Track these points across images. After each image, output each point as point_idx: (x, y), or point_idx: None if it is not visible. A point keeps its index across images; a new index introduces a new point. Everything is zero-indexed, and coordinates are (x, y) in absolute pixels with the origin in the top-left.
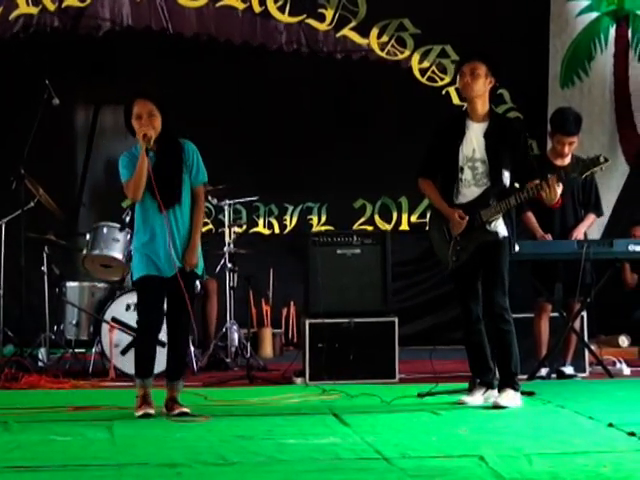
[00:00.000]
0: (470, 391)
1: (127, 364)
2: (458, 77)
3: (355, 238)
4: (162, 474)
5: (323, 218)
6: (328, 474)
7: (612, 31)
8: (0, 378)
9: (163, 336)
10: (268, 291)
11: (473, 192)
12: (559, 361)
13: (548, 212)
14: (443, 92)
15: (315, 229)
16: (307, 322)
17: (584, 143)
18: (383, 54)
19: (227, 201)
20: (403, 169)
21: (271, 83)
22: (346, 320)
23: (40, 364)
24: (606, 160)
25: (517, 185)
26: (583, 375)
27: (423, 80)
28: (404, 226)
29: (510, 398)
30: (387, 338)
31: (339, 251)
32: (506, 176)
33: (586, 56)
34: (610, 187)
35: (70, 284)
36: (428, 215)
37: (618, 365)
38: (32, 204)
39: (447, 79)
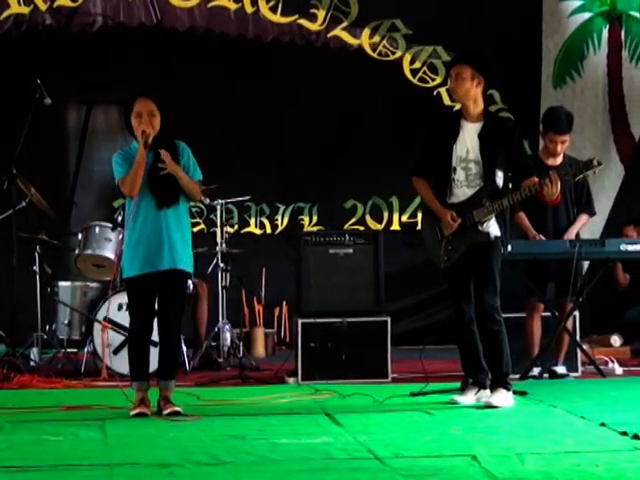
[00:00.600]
0: (462, 391)
1: (119, 364)
2: (448, 79)
3: (347, 238)
4: (154, 474)
5: (314, 218)
6: (320, 474)
7: (605, 32)
8: None
9: (156, 336)
10: (260, 291)
11: (465, 193)
12: (551, 361)
13: (541, 212)
14: (435, 93)
15: (306, 229)
16: (299, 322)
17: (576, 143)
18: (375, 54)
19: (219, 201)
20: (394, 169)
21: (264, 84)
22: (338, 320)
23: (32, 364)
24: (599, 164)
25: (511, 185)
26: (575, 375)
27: (414, 81)
28: (395, 226)
29: (502, 398)
30: (379, 338)
31: (331, 251)
32: (499, 176)
33: (579, 56)
34: (607, 188)
35: (62, 284)
36: (419, 215)
37: (610, 365)
38: (24, 204)
39: (438, 80)
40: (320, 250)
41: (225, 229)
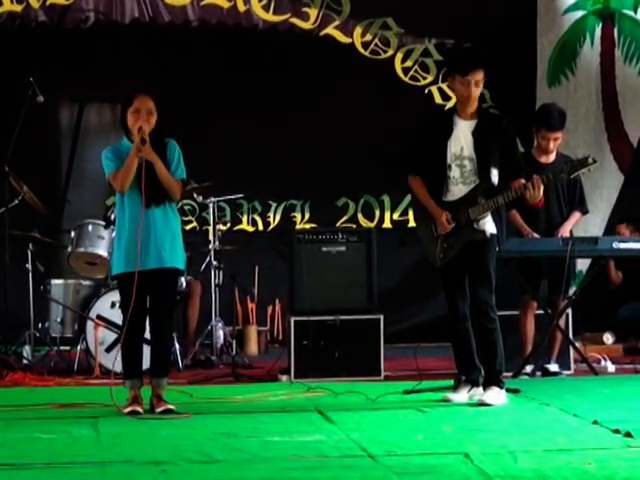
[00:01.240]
0: (455, 388)
1: (112, 361)
2: (458, 84)
3: (340, 235)
4: (147, 472)
5: (307, 216)
6: (313, 472)
7: (598, 30)
8: None
9: (149, 334)
10: (253, 289)
11: (461, 190)
12: (544, 358)
13: (534, 210)
14: (426, 91)
15: (299, 227)
16: (292, 320)
17: (570, 142)
18: (367, 53)
19: (212, 198)
20: (385, 167)
21: (256, 82)
22: (331, 318)
23: (25, 362)
24: (594, 161)
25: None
26: (568, 372)
27: (406, 79)
28: (387, 224)
29: (495, 396)
30: (372, 335)
31: (324, 248)
32: (494, 174)
33: (572, 55)
34: (600, 186)
35: (55, 281)
36: (411, 213)
37: (603, 362)
38: (16, 201)
39: (430, 78)
40: (313, 248)
41: (218, 227)
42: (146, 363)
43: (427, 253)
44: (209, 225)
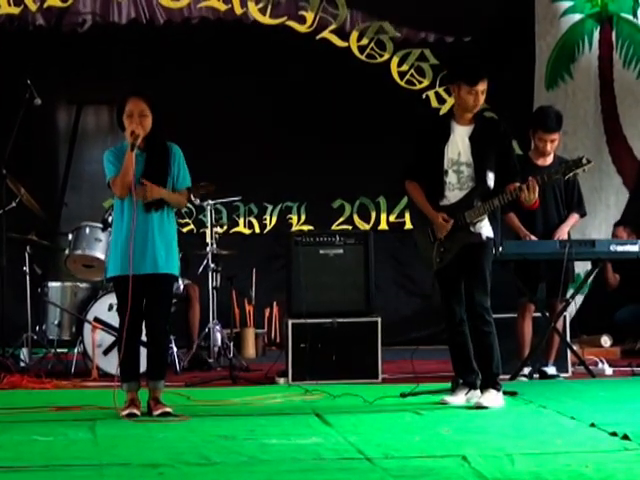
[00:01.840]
0: (453, 391)
1: (109, 364)
2: (465, 93)
3: (338, 238)
4: (144, 474)
5: (303, 217)
6: (310, 474)
7: (596, 33)
8: None
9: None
10: (251, 291)
11: (457, 196)
12: (541, 361)
13: (531, 212)
14: (423, 96)
15: (295, 228)
16: (290, 322)
17: (569, 145)
18: (363, 57)
19: (209, 201)
20: (381, 170)
21: (253, 84)
22: (329, 320)
23: (22, 364)
24: (589, 162)
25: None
26: (565, 375)
27: (402, 83)
28: (383, 225)
29: (492, 398)
30: (370, 338)
31: (322, 251)
32: (490, 177)
33: (571, 58)
34: (598, 188)
35: (52, 284)
36: (407, 215)
37: (600, 365)
38: (14, 204)
39: (426, 82)
40: (310, 251)
41: (215, 230)
42: (144, 366)
43: (424, 258)
44: (206, 228)
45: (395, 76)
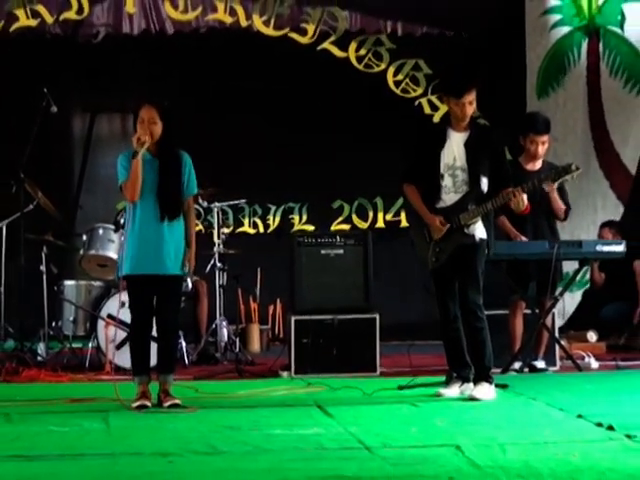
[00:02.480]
0: (447, 384)
1: (122, 358)
2: (453, 105)
3: (338, 239)
4: (155, 462)
5: (304, 217)
6: (312, 463)
7: (584, 45)
8: (1, 372)
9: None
10: (256, 289)
11: (452, 198)
12: (531, 355)
13: (522, 217)
14: (416, 103)
15: (296, 228)
16: (293, 319)
17: (558, 151)
18: (361, 67)
19: (216, 204)
20: (378, 172)
21: (256, 94)
22: (330, 317)
23: (39, 358)
24: (577, 168)
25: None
26: (554, 369)
27: (397, 92)
28: (380, 224)
29: (485, 391)
30: (369, 334)
31: (323, 251)
32: (484, 182)
33: (560, 69)
34: (585, 194)
35: (67, 282)
36: (403, 214)
37: (587, 359)
38: (31, 207)
39: (419, 91)
40: (312, 251)
41: (222, 230)
42: (154, 360)
43: (420, 257)
44: (213, 228)
45: (391, 85)
